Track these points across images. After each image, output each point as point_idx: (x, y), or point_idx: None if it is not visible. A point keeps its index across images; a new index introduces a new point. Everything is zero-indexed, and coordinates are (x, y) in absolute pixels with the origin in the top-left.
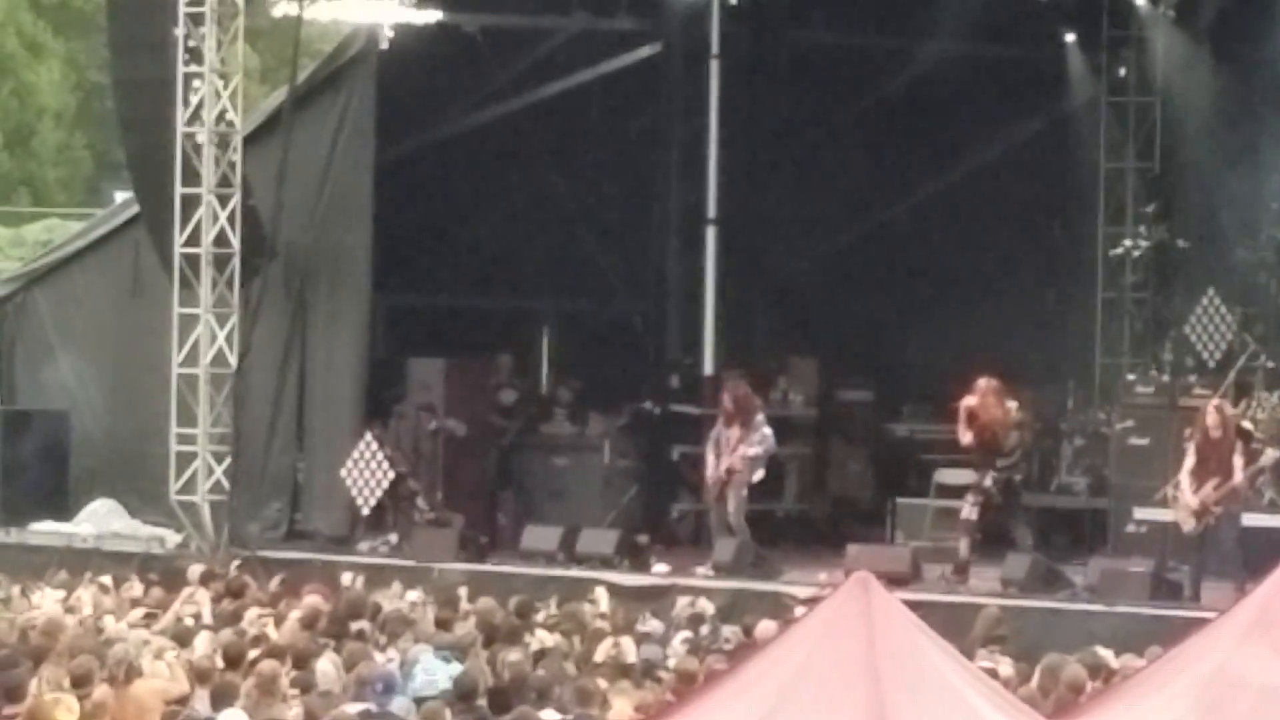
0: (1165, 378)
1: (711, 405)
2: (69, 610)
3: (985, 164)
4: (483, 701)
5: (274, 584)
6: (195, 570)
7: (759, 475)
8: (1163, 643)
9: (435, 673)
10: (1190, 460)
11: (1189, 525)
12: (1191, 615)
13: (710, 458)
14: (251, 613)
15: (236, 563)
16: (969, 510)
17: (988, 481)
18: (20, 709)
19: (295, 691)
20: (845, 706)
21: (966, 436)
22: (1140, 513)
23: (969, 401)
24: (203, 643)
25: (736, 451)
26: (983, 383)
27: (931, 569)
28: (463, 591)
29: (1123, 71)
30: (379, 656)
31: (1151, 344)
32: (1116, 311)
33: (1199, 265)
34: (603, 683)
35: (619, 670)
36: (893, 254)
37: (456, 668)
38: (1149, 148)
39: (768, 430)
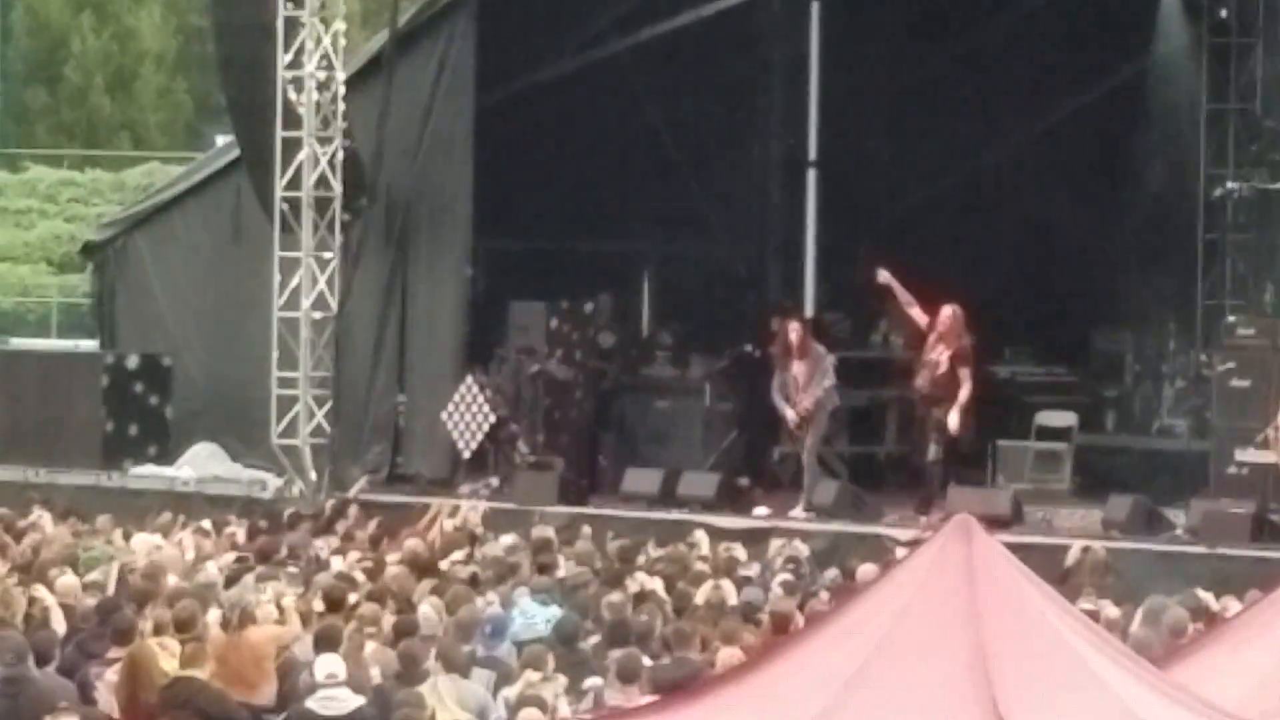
0: (1267, 319)
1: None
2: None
3: (1085, 106)
4: (584, 644)
5: (371, 527)
6: (287, 513)
7: (836, 401)
8: (1264, 585)
9: (534, 616)
10: None
11: None
12: None
13: (781, 402)
14: (351, 556)
15: (331, 504)
16: (935, 452)
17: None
18: (124, 652)
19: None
20: (947, 650)
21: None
22: (1241, 454)
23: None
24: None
25: (809, 390)
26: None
27: (1033, 511)
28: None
29: (1223, 13)
30: (479, 600)
31: (1253, 285)
32: (1218, 253)
33: None
34: (703, 626)
35: (719, 613)
36: (992, 197)
37: (555, 611)
38: (1250, 89)
39: (828, 358)
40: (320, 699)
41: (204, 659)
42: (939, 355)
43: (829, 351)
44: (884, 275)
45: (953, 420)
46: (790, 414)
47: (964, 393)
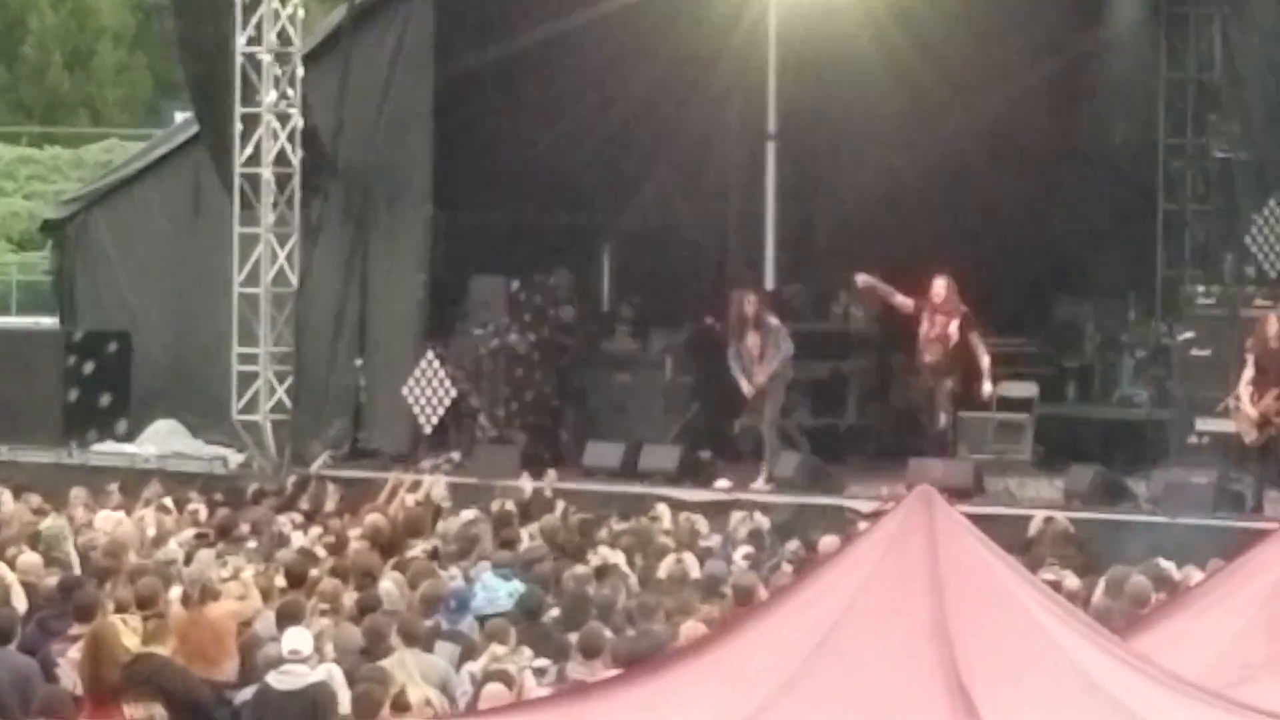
0: (1226, 288)
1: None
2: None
3: (1045, 77)
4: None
5: (333, 502)
6: (250, 489)
7: (790, 373)
8: (1225, 554)
9: (496, 590)
10: (1250, 371)
11: (1250, 436)
12: (1254, 526)
13: (737, 374)
14: (314, 531)
15: (292, 479)
16: (946, 420)
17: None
18: (86, 630)
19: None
20: (909, 621)
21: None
22: (1202, 424)
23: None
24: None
25: (764, 364)
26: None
27: (994, 482)
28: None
29: None
30: (441, 574)
31: (1213, 255)
32: (1177, 223)
33: (1260, 176)
34: (666, 599)
35: (682, 586)
36: (953, 169)
37: (517, 585)
38: (1209, 58)
39: (781, 329)
40: (279, 674)
41: (166, 636)
42: (945, 327)
43: (788, 323)
44: (863, 279)
45: (986, 388)
46: (745, 386)
47: (985, 359)
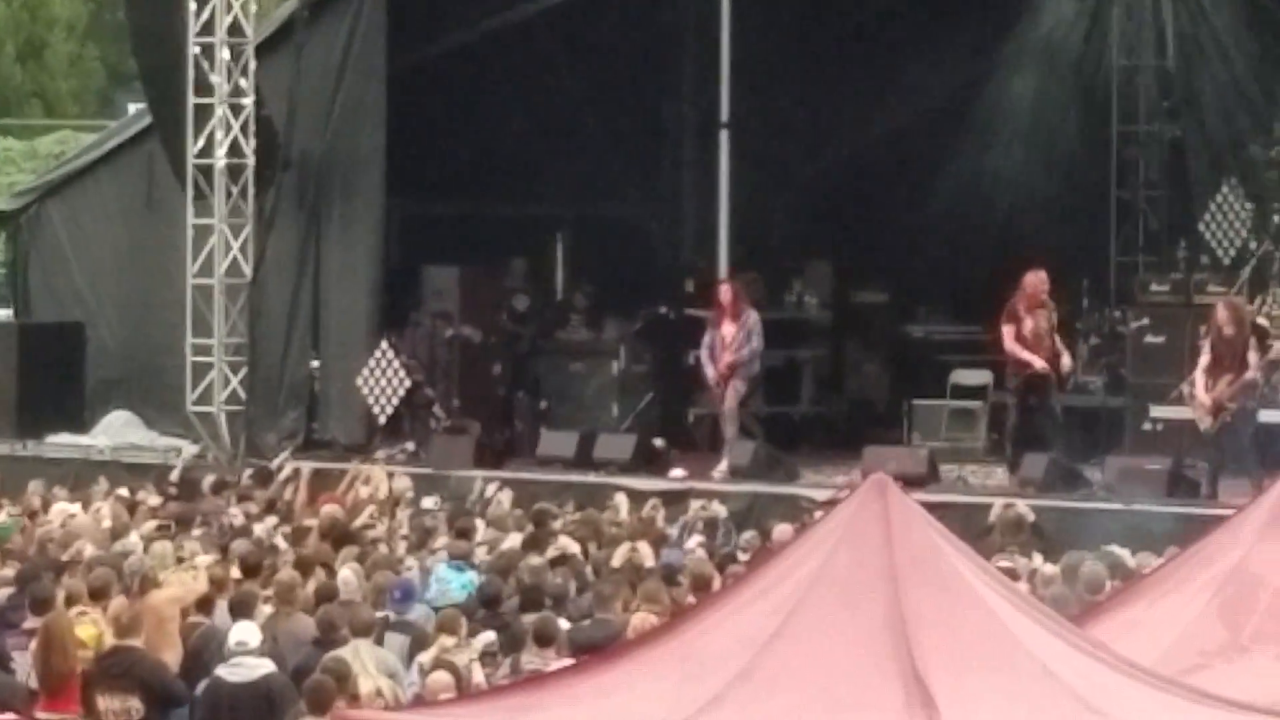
0: (1180, 276)
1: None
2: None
3: (998, 62)
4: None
5: (288, 492)
6: (208, 480)
7: (757, 367)
8: (1180, 541)
9: (449, 582)
10: (1205, 358)
11: (1205, 423)
12: (1209, 513)
13: (706, 361)
14: (269, 521)
15: (249, 471)
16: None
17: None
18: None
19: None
20: (864, 610)
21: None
22: (1157, 411)
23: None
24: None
25: (730, 351)
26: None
27: (949, 470)
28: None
29: None
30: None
31: (1166, 242)
32: (1130, 210)
33: (1213, 163)
34: (622, 589)
35: (637, 575)
36: (906, 155)
37: (470, 576)
38: (1163, 44)
39: (756, 322)
40: (229, 667)
41: (140, 628)
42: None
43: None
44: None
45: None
46: (710, 371)
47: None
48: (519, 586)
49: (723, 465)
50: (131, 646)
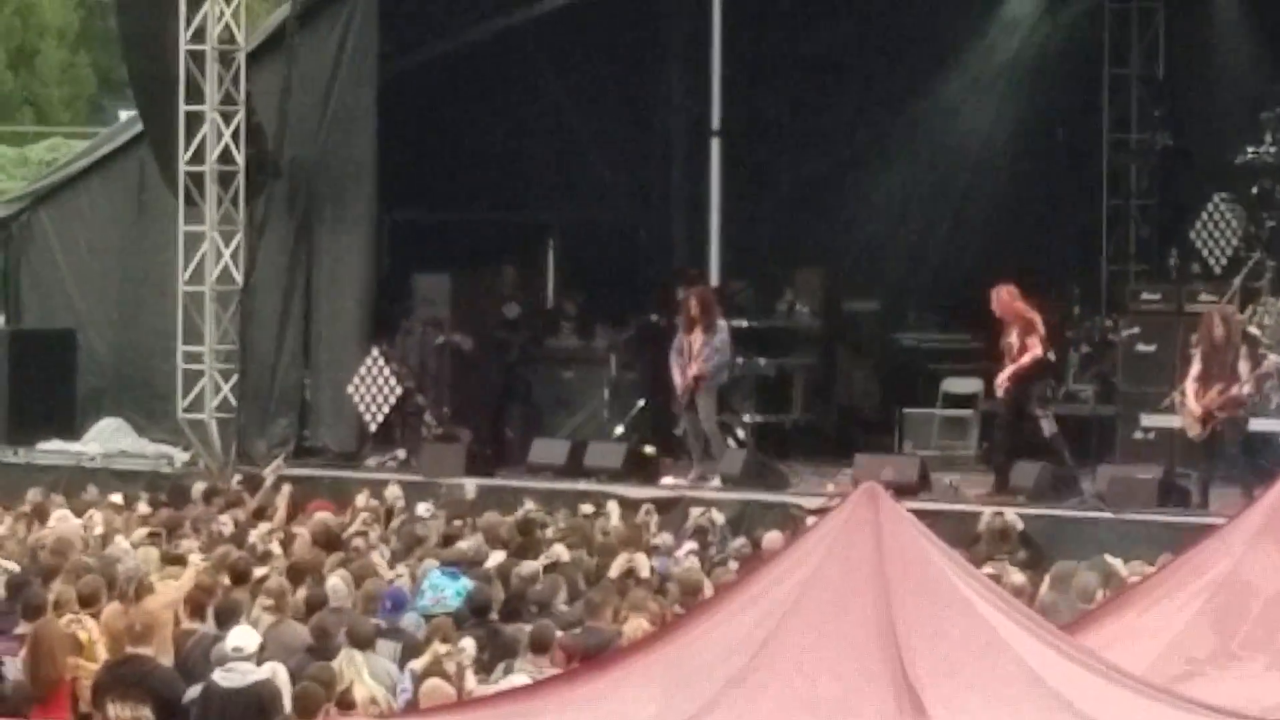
0: (1171, 284)
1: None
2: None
3: (989, 72)
4: (495, 615)
5: (278, 500)
6: (198, 487)
7: (724, 377)
8: (1172, 549)
9: (443, 589)
10: (1195, 367)
11: (1195, 431)
12: (1200, 521)
13: (676, 367)
14: (261, 529)
15: (238, 478)
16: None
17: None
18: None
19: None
20: (855, 617)
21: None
22: (1148, 419)
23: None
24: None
25: (700, 357)
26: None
27: (940, 478)
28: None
29: None
30: (388, 573)
31: (1157, 251)
32: (1122, 218)
33: (1204, 171)
34: (614, 597)
35: (631, 583)
36: (897, 164)
37: (464, 583)
38: (1153, 53)
39: (726, 334)
40: (224, 672)
41: (151, 636)
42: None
43: (731, 322)
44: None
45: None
46: (678, 380)
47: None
48: (505, 594)
49: (693, 474)
50: (144, 655)
